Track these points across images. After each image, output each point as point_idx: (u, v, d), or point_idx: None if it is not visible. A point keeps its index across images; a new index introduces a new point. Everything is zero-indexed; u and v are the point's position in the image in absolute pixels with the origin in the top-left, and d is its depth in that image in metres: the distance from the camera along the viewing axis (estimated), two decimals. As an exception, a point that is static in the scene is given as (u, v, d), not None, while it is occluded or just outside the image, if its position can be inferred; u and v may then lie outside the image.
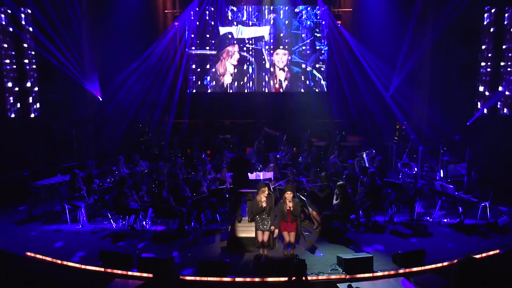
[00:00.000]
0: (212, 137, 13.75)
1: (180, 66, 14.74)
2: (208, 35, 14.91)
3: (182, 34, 14.75)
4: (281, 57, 15.00)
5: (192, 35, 14.87)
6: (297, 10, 14.87)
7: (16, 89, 12.59)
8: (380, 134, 13.76)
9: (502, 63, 12.40)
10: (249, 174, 8.69)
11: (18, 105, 12.70)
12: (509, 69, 12.32)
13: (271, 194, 7.25)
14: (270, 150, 12.22)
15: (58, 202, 9.18)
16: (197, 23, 14.81)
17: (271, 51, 14.97)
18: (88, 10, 13.08)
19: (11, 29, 12.30)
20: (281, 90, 15.16)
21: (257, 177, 9.05)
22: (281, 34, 14.87)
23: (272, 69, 15.07)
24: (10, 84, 12.45)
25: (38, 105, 12.87)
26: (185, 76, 14.97)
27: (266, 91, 15.19)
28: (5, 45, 12.37)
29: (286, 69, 15.07)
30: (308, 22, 14.94)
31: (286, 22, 14.85)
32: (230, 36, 14.88)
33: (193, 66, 15.06)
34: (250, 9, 14.84)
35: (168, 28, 14.74)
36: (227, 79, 15.08)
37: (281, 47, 14.99)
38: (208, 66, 15.06)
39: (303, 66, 15.10)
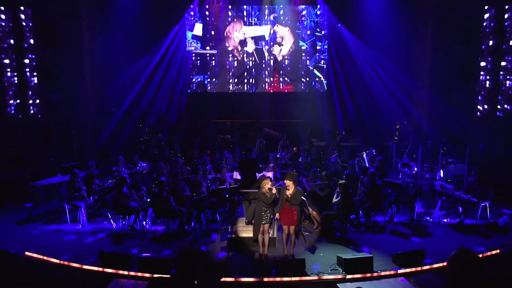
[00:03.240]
0: (212, 137, 13.75)
1: (180, 66, 14.73)
2: (208, 35, 14.90)
3: (182, 34, 14.73)
4: (281, 29, 14.81)
5: (193, 36, 14.87)
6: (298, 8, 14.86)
7: (16, 88, 12.59)
8: (380, 134, 13.76)
9: (502, 63, 12.40)
10: (257, 173, 8.75)
11: (18, 104, 12.70)
12: (509, 68, 12.32)
13: (276, 187, 7.26)
14: (270, 150, 12.23)
15: (58, 202, 9.18)
16: (197, 22, 14.80)
17: (271, 49, 14.91)
18: (89, 9, 13.09)
19: (11, 29, 12.29)
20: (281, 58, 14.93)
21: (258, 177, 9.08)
22: (281, 12, 14.82)
23: (274, 40, 14.88)
24: (10, 84, 12.44)
25: (38, 105, 12.87)
26: (185, 76, 14.96)
27: (266, 90, 15.17)
28: (5, 45, 12.37)
29: (289, 43, 14.84)
30: (309, 22, 14.93)
31: (287, 25, 14.83)
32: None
33: (193, 65, 15.05)
34: (252, 12, 14.83)
35: (169, 28, 14.74)
36: (250, 47, 14.84)
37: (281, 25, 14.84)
38: (212, 64, 15.02)
39: (304, 47, 15.08)
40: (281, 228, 7.25)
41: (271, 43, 14.88)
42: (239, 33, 14.76)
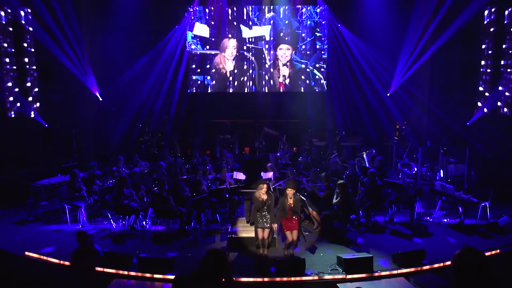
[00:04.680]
0: (212, 137, 13.76)
1: (180, 66, 14.74)
2: (208, 35, 14.90)
3: (182, 34, 14.74)
4: (284, 51, 14.92)
5: (193, 36, 14.87)
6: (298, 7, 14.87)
7: (16, 89, 12.58)
8: (380, 134, 13.77)
9: (502, 62, 12.40)
10: (262, 173, 8.74)
11: (18, 105, 12.68)
12: (509, 69, 12.32)
13: (270, 193, 7.27)
14: (270, 150, 12.23)
15: (58, 202, 9.18)
16: (198, 22, 14.81)
17: (271, 51, 14.94)
18: (89, 9, 13.10)
19: (11, 29, 12.28)
20: (285, 83, 15.02)
21: (265, 177, 9.09)
22: (281, 34, 14.88)
23: (275, 65, 14.96)
24: (10, 84, 12.43)
25: (38, 105, 12.86)
26: (185, 76, 14.97)
27: (266, 90, 15.19)
28: (5, 45, 12.35)
29: (289, 64, 15.00)
30: (309, 22, 14.94)
31: (286, 22, 14.84)
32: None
33: (193, 66, 15.06)
34: (250, 9, 14.84)
35: (169, 28, 14.75)
36: (228, 67, 14.99)
37: (284, 44, 14.93)
38: (208, 66, 15.04)
39: (303, 66, 15.10)
40: (283, 237, 7.25)
41: (272, 45, 14.88)
42: (233, 53, 14.82)
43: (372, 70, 14.03)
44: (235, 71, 15.02)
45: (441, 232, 8.29)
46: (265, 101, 14.94)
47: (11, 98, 12.56)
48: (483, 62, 12.59)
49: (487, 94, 12.67)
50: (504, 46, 12.25)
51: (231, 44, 14.87)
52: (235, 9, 14.81)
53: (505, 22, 12.08)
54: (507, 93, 12.11)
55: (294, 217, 7.06)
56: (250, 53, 14.97)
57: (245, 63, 15.05)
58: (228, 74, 15.01)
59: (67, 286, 6.39)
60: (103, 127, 13.50)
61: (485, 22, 12.41)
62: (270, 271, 6.47)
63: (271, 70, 15.03)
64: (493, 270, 2.43)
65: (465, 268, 2.40)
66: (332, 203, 8.15)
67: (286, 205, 7.01)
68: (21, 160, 11.66)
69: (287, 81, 15.06)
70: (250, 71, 15.07)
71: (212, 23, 14.81)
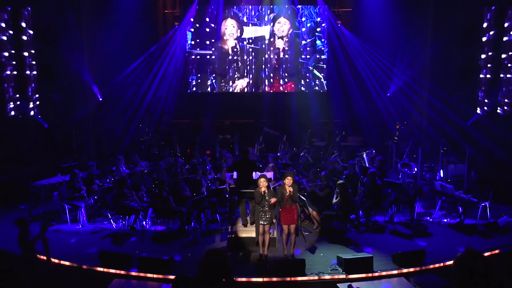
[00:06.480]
0: (212, 137, 13.75)
1: (180, 66, 14.73)
2: (208, 35, 14.90)
3: (182, 34, 14.74)
4: (282, 25, 14.84)
5: (192, 36, 14.88)
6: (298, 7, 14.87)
7: (16, 88, 12.57)
8: (380, 134, 13.77)
9: (502, 59, 12.38)
10: (254, 173, 8.69)
11: (18, 104, 12.68)
12: (508, 73, 12.31)
13: (270, 188, 7.23)
14: (270, 150, 12.22)
15: (58, 202, 9.17)
16: (197, 24, 14.81)
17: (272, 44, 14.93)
18: (89, 9, 13.09)
19: (11, 29, 12.28)
20: (282, 53, 14.90)
21: (257, 177, 9.03)
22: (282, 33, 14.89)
23: (271, 40, 14.94)
24: (9, 84, 12.43)
25: (38, 104, 12.85)
26: (185, 76, 14.97)
27: (266, 90, 15.19)
28: (5, 45, 12.35)
29: (286, 39, 14.91)
30: (309, 22, 14.94)
31: (287, 25, 14.85)
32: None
33: (193, 66, 15.05)
34: (250, 9, 14.84)
35: (168, 28, 14.75)
36: (230, 43, 14.93)
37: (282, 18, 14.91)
38: (210, 65, 15.03)
39: (303, 64, 15.09)
40: (281, 228, 7.24)
41: (272, 39, 14.88)
42: (233, 34, 14.76)
43: (372, 70, 14.02)
44: (235, 57, 14.93)
45: (441, 232, 8.29)
46: (265, 101, 14.94)
47: (10, 96, 12.57)
48: (483, 59, 12.57)
49: (487, 97, 12.65)
50: (504, 46, 12.25)
51: (229, 23, 14.82)
52: (235, 9, 14.81)
53: (505, 21, 12.08)
54: (506, 97, 12.10)
55: (293, 207, 6.94)
56: (250, 53, 14.96)
57: (244, 62, 15.04)
58: (230, 52, 14.90)
59: (67, 286, 6.40)
60: (103, 127, 13.49)
61: (485, 22, 12.40)
62: (266, 268, 6.47)
63: (270, 40, 14.89)
64: (495, 274, 2.43)
65: (466, 271, 2.39)
66: (332, 203, 8.15)
67: (285, 194, 6.88)
68: (21, 160, 11.65)
69: (281, 54, 14.93)
70: (250, 66, 15.03)
71: (213, 27, 14.80)
